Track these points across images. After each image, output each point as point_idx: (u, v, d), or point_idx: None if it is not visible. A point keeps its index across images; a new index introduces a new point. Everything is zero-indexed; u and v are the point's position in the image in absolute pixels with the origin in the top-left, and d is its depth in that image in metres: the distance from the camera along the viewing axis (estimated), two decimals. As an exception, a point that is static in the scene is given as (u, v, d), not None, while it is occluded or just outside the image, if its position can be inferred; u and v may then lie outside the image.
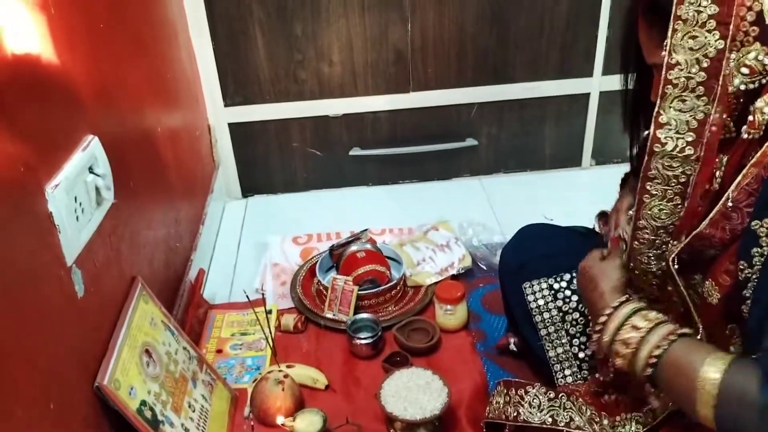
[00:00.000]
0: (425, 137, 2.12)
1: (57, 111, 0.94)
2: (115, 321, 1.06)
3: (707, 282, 0.83)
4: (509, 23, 1.96)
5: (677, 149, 0.82)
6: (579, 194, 1.97)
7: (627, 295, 0.93)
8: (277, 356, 1.36)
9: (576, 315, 1.17)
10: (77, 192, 0.95)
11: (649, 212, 0.89)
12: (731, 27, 0.75)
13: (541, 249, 1.25)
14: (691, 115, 0.80)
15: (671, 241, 0.87)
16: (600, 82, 2.07)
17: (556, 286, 1.20)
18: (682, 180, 0.84)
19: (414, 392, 1.16)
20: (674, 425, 0.91)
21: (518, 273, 1.25)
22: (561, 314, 1.18)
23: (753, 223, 0.74)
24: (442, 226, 1.83)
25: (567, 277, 1.20)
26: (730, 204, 0.77)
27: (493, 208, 2.00)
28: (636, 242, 0.92)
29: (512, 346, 1.36)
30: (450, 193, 2.11)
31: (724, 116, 0.79)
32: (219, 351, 1.44)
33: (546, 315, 1.19)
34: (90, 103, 1.07)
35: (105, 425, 0.99)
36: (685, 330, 0.83)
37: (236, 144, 2.09)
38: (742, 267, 0.76)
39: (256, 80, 1.98)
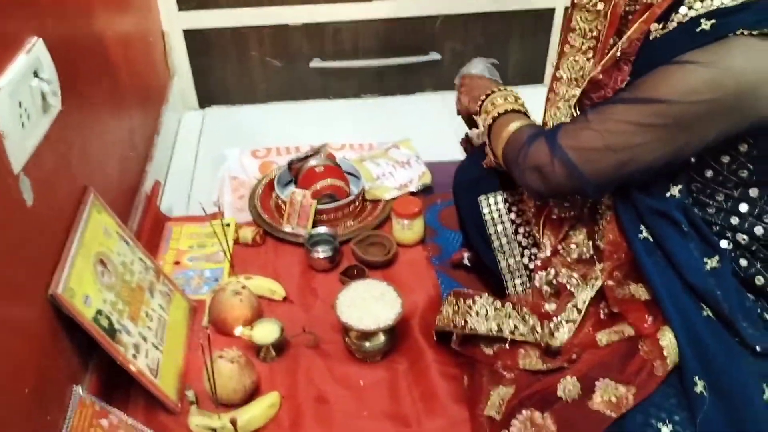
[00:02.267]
0: (388, 50, 2.07)
1: (-4, 9, 0.89)
2: (68, 231, 1.05)
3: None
4: (477, -69, 1.89)
5: (591, 3, 0.96)
6: (541, 111, 1.97)
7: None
8: (235, 268, 1.37)
9: (528, 228, 1.20)
10: (21, 97, 0.91)
11: (567, 62, 1.02)
12: None
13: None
14: None
15: None
16: (566, -2, 2.04)
17: (510, 199, 1.22)
18: (595, 34, 0.97)
19: (369, 303, 1.19)
20: (594, 320, 1.00)
21: (473, 187, 1.27)
22: (514, 226, 1.21)
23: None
24: (403, 144, 1.82)
25: (521, 190, 1.23)
26: (618, 54, 0.89)
27: (455, 123, 1.99)
28: (551, 93, 1.06)
29: (466, 261, 1.40)
30: (412, 108, 2.09)
31: None
32: (177, 263, 1.45)
33: (500, 227, 1.22)
34: (34, 2, 1.01)
35: (61, 334, 1.00)
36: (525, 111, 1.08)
37: (192, 52, 2.00)
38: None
39: (212, -18, 1.88)
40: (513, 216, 1.21)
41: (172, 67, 2.01)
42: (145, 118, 1.69)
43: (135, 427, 1.04)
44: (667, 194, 0.89)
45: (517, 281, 1.19)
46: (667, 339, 0.88)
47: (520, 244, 1.20)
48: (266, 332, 1.20)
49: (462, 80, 1.32)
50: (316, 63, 2.07)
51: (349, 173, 1.67)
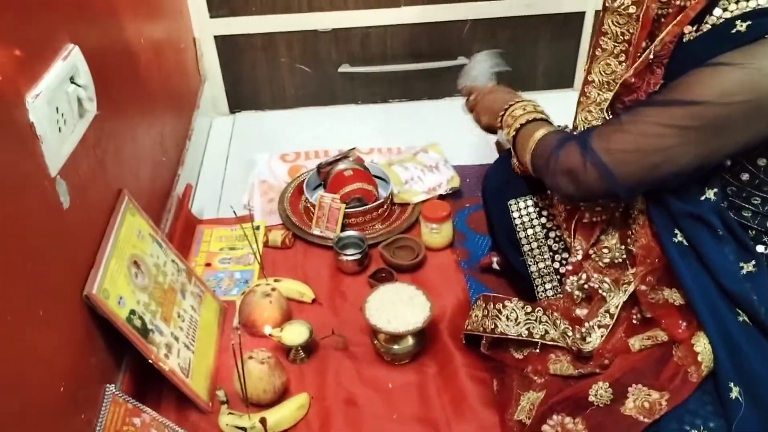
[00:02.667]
0: (416, 55, 2.08)
1: (35, 18, 0.91)
2: (102, 233, 1.07)
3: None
4: (506, -65, 1.89)
5: (622, 6, 0.94)
6: (570, 116, 1.96)
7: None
8: (265, 270, 1.38)
9: (559, 232, 1.19)
10: (59, 102, 0.93)
11: (599, 65, 1.01)
12: None
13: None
14: None
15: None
16: (595, 1, 2.02)
17: (540, 203, 1.21)
18: (627, 37, 0.96)
19: (398, 306, 1.19)
20: (626, 324, 1.00)
21: (502, 191, 1.26)
22: (545, 230, 1.20)
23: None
24: (431, 148, 1.82)
25: (551, 194, 1.22)
26: (652, 56, 0.88)
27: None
28: (583, 97, 1.05)
29: (495, 265, 1.39)
30: (440, 112, 2.08)
31: None
32: (208, 265, 1.47)
33: (530, 231, 1.21)
34: (70, 11, 1.04)
35: (95, 333, 1.02)
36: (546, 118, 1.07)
37: (223, 58, 2.04)
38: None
39: (243, -10, 1.91)
40: (543, 220, 1.20)
41: (203, 72, 2.04)
42: (176, 122, 1.72)
43: (167, 425, 1.06)
44: (702, 197, 0.88)
45: (548, 285, 1.18)
46: (702, 344, 0.86)
47: (550, 248, 1.19)
48: (295, 334, 1.21)
49: (475, 99, 1.29)
50: (344, 68, 2.08)
51: (378, 177, 1.67)
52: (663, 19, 0.90)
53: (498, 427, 1.07)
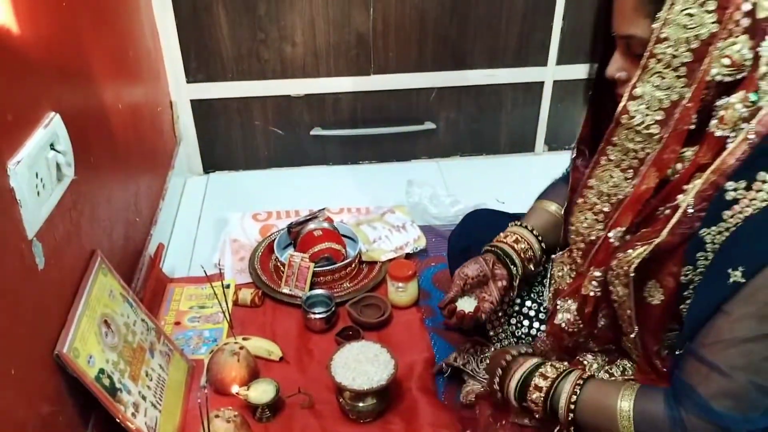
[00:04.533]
0: (385, 119, 2.17)
1: (19, 87, 0.96)
2: (75, 293, 1.10)
3: (650, 283, 0.86)
4: (469, 11, 2.02)
5: (643, 125, 0.83)
6: (532, 179, 2.03)
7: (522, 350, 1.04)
8: (234, 329, 1.41)
9: (516, 299, 1.23)
10: (38, 168, 0.97)
11: (601, 173, 0.93)
12: (727, 12, 0.73)
13: (485, 234, 1.30)
14: (665, 95, 0.80)
15: (615, 228, 0.89)
16: (554, 72, 2.15)
17: None
18: (641, 156, 0.86)
19: (363, 364, 1.23)
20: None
21: (464, 254, 1.31)
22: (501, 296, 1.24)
23: (701, 231, 0.77)
24: (398, 209, 1.89)
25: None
26: (691, 210, 0.79)
27: (449, 190, 2.07)
28: (581, 198, 0.98)
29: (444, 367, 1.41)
30: (408, 174, 2.16)
31: (697, 106, 0.78)
32: (177, 323, 1.49)
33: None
34: (52, 79, 1.09)
35: (65, 392, 1.04)
36: (588, 373, 0.93)
37: (198, 120, 2.11)
38: (686, 271, 0.80)
39: (219, 58, 1.99)
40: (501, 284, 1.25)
41: (179, 134, 2.10)
42: (151, 183, 1.77)
43: (132, 485, 1.06)
44: None
45: (505, 342, 1.22)
46: None
47: (505, 312, 1.22)
48: (262, 392, 1.23)
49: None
50: (316, 131, 2.16)
51: (347, 236, 1.73)
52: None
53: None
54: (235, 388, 1.22)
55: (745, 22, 0.73)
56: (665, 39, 0.77)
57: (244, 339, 1.38)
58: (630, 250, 0.85)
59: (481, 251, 1.19)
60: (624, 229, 0.88)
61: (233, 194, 2.09)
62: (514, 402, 0.99)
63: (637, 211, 0.86)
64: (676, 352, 0.84)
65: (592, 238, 0.98)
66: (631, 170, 0.88)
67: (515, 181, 2.05)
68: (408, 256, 1.70)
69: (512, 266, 1.14)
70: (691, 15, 0.75)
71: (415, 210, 1.90)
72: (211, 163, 2.20)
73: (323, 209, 1.78)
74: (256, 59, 2.01)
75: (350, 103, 2.14)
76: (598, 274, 0.93)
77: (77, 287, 1.11)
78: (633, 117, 0.84)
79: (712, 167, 0.77)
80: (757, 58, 0.75)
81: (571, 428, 0.91)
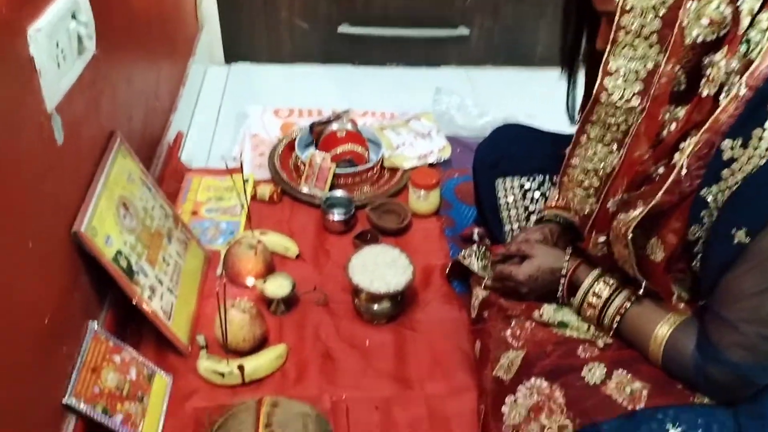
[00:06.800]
0: (417, 21, 2.07)
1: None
2: (93, 172, 1.08)
3: (652, 240, 0.86)
4: None
5: (623, 99, 0.83)
6: (564, 95, 1.97)
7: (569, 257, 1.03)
8: (251, 223, 1.40)
9: (539, 216, 1.21)
10: (59, 38, 0.92)
11: (583, 153, 0.93)
12: None
13: (517, 149, 1.27)
14: (641, 64, 0.79)
15: (617, 201, 0.88)
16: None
17: (527, 185, 1.23)
18: (623, 128, 0.85)
19: (381, 267, 1.21)
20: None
21: (492, 169, 1.27)
22: (527, 213, 1.22)
23: (702, 191, 0.77)
24: (424, 116, 1.83)
25: (539, 178, 1.23)
26: (684, 171, 0.78)
27: (477, 100, 2.00)
28: (565, 178, 0.98)
29: (475, 236, 1.41)
30: (436, 81, 2.08)
31: (676, 68, 0.77)
32: (194, 213, 1.47)
33: (513, 212, 1.23)
34: (73, -56, 1.02)
35: (82, 271, 1.03)
36: (639, 292, 0.92)
37: (222, 7, 2.02)
38: (693, 230, 0.80)
39: (247, -61, 1.88)
40: (527, 202, 1.22)
41: (201, 19, 2.02)
42: (171, 68, 1.71)
43: (146, 365, 1.08)
44: None
45: None
46: None
47: None
48: (278, 286, 1.23)
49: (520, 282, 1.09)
50: (344, 28, 2.07)
51: (370, 140, 1.68)
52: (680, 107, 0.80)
53: (472, 389, 1.10)
54: (251, 281, 1.22)
55: None
56: (630, 10, 0.77)
57: (261, 233, 1.37)
58: (631, 210, 0.84)
59: (539, 216, 1.18)
60: (620, 196, 0.88)
61: (255, 87, 2.03)
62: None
63: (632, 176, 0.85)
64: (699, 303, 0.86)
65: (586, 212, 0.98)
66: (615, 143, 0.88)
67: (548, 97, 1.95)
68: (431, 165, 1.66)
69: (577, 242, 1.10)
70: None
71: (442, 119, 1.84)
72: (233, 53, 2.12)
73: (347, 110, 1.73)
74: (286, -56, 1.89)
75: (381, 1, 2.03)
76: (602, 238, 0.93)
77: (96, 167, 1.09)
78: (611, 93, 0.83)
79: (706, 125, 0.75)
80: (737, 12, 0.72)
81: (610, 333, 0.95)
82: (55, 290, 0.95)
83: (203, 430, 1.03)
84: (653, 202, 0.80)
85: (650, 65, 0.79)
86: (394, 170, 1.64)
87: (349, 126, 1.64)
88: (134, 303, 1.06)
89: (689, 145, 0.78)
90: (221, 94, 1.99)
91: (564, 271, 1.03)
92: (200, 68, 2.01)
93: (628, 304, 0.93)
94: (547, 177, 1.23)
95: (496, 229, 1.27)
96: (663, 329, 0.87)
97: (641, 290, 0.92)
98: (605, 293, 0.97)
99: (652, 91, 0.79)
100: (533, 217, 1.21)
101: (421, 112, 1.85)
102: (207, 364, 1.10)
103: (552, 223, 1.15)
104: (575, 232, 1.12)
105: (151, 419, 1.03)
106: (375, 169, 1.60)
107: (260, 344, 1.16)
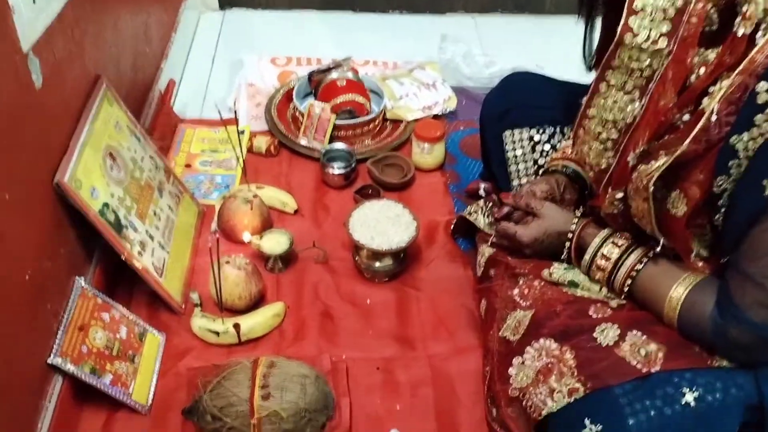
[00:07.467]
0: (422, -36, 1.97)
1: None
2: (77, 119, 1.01)
3: (674, 194, 0.81)
4: None
5: (649, 41, 0.76)
6: (577, 44, 1.88)
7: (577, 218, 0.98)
8: (247, 177, 1.33)
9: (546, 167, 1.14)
10: (33, -31, 0.85)
11: (602, 102, 0.86)
12: None
13: (527, 98, 1.20)
14: (669, 2, 0.73)
15: (636, 152, 0.82)
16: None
17: (536, 137, 1.17)
18: (647, 74, 0.79)
19: (383, 223, 1.16)
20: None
21: (500, 120, 1.21)
22: (536, 167, 1.16)
23: (732, 138, 0.72)
24: (429, 66, 1.74)
25: (549, 130, 1.17)
26: (714, 118, 0.72)
27: (484, 49, 1.91)
28: (581, 130, 0.92)
29: (481, 191, 1.35)
30: (441, 28, 1.98)
31: (708, 6, 0.71)
32: (188, 166, 1.41)
33: (521, 166, 1.18)
34: None
35: (66, 225, 0.98)
36: (657, 249, 0.86)
37: (216, -53, 1.91)
38: (719, 181, 0.75)
39: None
40: (537, 155, 1.16)
41: (194, -39, 1.92)
42: (162, 12, 1.62)
43: (137, 323, 1.03)
44: None
45: None
46: None
47: None
48: (275, 243, 1.18)
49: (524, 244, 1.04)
50: (344, -29, 1.97)
51: (372, 90, 1.60)
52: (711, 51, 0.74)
53: (476, 349, 1.07)
54: (247, 236, 1.17)
55: None
56: None
57: (257, 188, 1.31)
58: (653, 161, 0.79)
59: (546, 167, 1.12)
60: (641, 149, 0.81)
61: (250, 34, 1.94)
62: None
63: (655, 127, 0.79)
64: (721, 260, 0.80)
65: (603, 167, 0.92)
66: (637, 90, 0.82)
67: (559, 46, 1.86)
68: (436, 117, 1.59)
69: (585, 191, 1.05)
70: None
71: (447, 68, 1.76)
72: (228, -1, 2.03)
73: (348, 58, 1.64)
74: None
75: (385, -58, 1.93)
76: (619, 195, 0.87)
77: (80, 114, 1.02)
78: (637, 34, 0.77)
79: (740, 67, 0.70)
80: None
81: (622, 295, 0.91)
82: (36, 244, 0.89)
83: (197, 390, 0.98)
84: (678, 152, 0.75)
85: (679, 3, 0.73)
86: (396, 122, 1.56)
87: (349, 75, 1.56)
88: (123, 259, 1.01)
89: (720, 89, 0.72)
90: (215, 41, 1.90)
91: (570, 235, 0.98)
92: (193, 14, 1.92)
93: (639, 266, 0.88)
94: (558, 129, 1.17)
95: (504, 184, 1.21)
96: (678, 291, 0.83)
97: (658, 247, 0.86)
98: (614, 255, 0.92)
99: (681, 32, 0.73)
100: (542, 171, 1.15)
101: (426, 61, 1.77)
102: (201, 323, 1.06)
103: (558, 173, 1.09)
104: (583, 182, 1.07)
105: (143, 379, 0.99)
106: (377, 120, 1.53)
107: (256, 302, 1.11)
